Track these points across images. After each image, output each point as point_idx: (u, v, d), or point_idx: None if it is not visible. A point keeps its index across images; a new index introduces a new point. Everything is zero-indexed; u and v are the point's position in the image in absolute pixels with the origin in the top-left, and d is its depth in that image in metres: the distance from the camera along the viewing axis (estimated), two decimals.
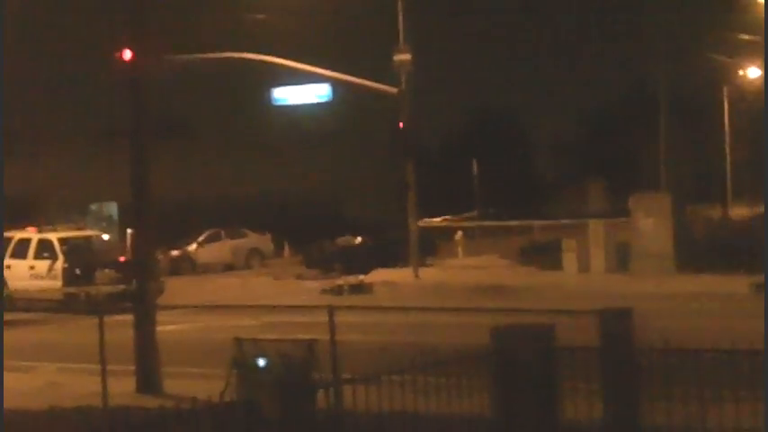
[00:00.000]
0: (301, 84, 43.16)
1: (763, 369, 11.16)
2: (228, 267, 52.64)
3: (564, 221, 46.94)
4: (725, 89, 67.11)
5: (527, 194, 79.47)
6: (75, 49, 67.58)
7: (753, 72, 61.56)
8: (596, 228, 39.51)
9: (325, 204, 71.12)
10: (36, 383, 20.71)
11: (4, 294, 36.97)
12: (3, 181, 35.78)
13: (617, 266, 38.11)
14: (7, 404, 18.41)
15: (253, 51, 40.54)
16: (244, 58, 40.58)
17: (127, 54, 19.83)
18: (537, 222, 50.90)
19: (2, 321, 20.03)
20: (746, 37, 53.51)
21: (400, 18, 41.38)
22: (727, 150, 67.67)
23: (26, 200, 61.19)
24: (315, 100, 44.70)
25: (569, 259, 38.98)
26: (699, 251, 36.90)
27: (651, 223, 37.36)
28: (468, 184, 64.71)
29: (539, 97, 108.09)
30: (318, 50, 48.67)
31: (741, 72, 62.89)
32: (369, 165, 72.46)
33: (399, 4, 41.55)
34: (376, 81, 41.77)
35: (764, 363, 11.20)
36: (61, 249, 36.95)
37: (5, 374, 21.64)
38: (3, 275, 37.03)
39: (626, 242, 38.52)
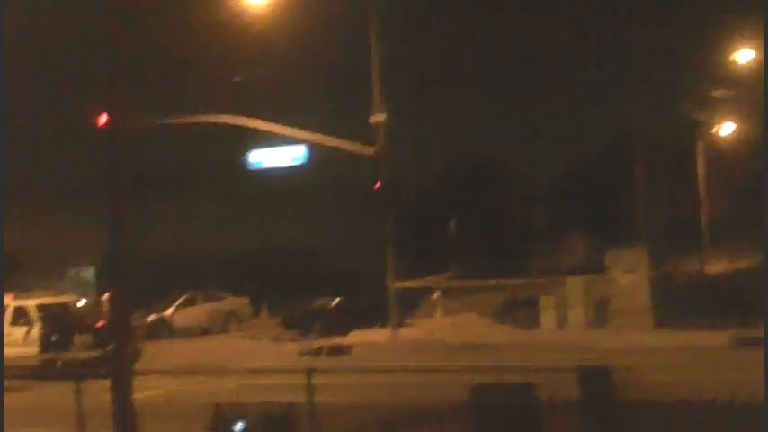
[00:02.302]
0: (278, 144, 43.17)
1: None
2: (205, 331, 52.40)
3: (541, 279, 46.95)
4: (699, 144, 67.51)
5: (505, 247, 79.51)
6: (54, 108, 67.55)
7: (726, 128, 62.04)
8: (574, 284, 39.55)
9: (302, 264, 71.00)
10: None
11: None
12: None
13: (595, 322, 38.11)
14: None
15: (231, 112, 40.59)
16: (217, 123, 40.62)
17: (102, 118, 19.81)
18: (514, 281, 50.88)
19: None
20: (718, 94, 53.96)
21: (375, 79, 41.47)
22: (702, 205, 67.93)
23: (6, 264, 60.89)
24: (290, 163, 44.71)
25: (548, 316, 38.97)
26: (677, 306, 36.97)
27: (629, 279, 37.44)
28: (446, 241, 64.71)
29: (518, 148, 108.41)
30: (295, 110, 48.75)
31: (714, 128, 63.34)
32: (347, 223, 72.46)
33: (374, 65, 41.66)
34: (354, 137, 41.79)
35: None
36: (38, 316, 36.74)
37: None
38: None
39: (604, 297, 38.55)
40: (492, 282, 49.58)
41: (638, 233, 44.29)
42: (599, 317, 38.25)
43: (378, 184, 40.34)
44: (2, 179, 37.65)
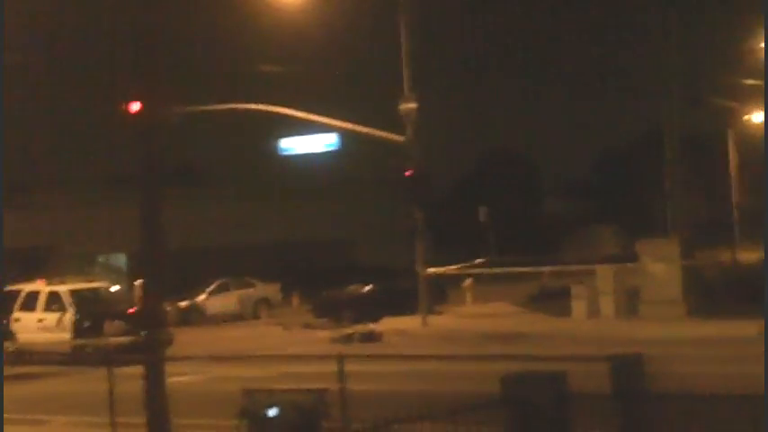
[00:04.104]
0: (310, 132, 43.26)
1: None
2: (237, 317, 52.61)
3: (573, 267, 46.85)
4: (730, 133, 67.17)
5: (537, 238, 79.37)
6: (83, 99, 67.91)
7: (757, 117, 61.66)
8: (605, 273, 39.43)
9: (334, 252, 71.11)
10: None
11: (14, 348, 36.92)
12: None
13: (626, 312, 38.00)
14: None
15: (264, 101, 40.65)
16: (250, 109, 40.70)
17: (135, 106, 19.87)
18: (546, 269, 50.80)
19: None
20: (750, 82, 53.60)
21: (405, 67, 41.43)
22: (734, 194, 67.61)
23: (35, 252, 61.26)
24: (322, 149, 44.79)
25: (579, 305, 38.89)
26: (709, 296, 36.78)
27: (660, 268, 37.30)
28: (479, 229, 64.70)
29: (549, 140, 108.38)
30: (328, 98, 48.81)
31: (746, 117, 63.00)
32: (378, 211, 72.51)
33: (404, 53, 41.63)
34: (386, 125, 41.80)
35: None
36: (70, 301, 36.90)
37: (15, 428, 21.60)
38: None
39: (635, 287, 38.42)
40: (523, 270, 49.51)
41: (670, 223, 44.06)
42: (630, 307, 38.13)
43: (407, 172, 40.33)
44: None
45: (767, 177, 39.09)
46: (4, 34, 23.13)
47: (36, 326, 37.02)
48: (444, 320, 41.47)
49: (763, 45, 47.07)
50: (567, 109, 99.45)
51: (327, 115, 41.31)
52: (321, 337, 39.69)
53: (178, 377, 23.54)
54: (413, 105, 40.79)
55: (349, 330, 39.21)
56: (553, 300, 41.66)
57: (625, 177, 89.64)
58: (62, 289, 37.57)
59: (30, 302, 37.63)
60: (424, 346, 34.08)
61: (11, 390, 28.92)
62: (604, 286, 38.81)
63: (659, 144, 47.18)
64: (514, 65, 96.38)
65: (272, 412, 12.14)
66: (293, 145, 45.16)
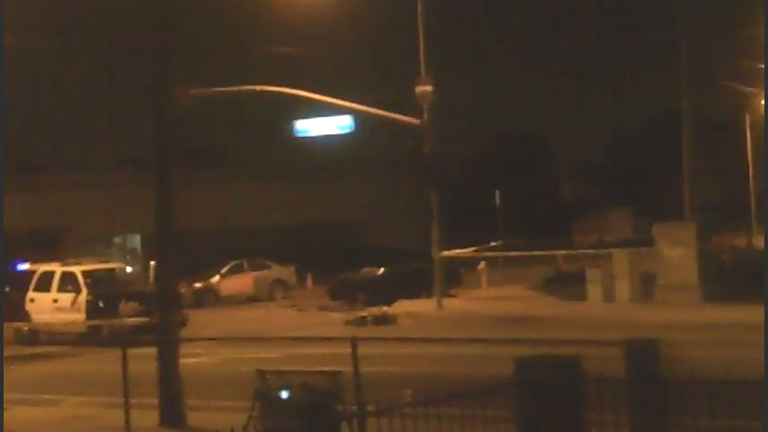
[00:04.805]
0: (325, 114, 43.22)
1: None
2: (251, 299, 52.63)
3: (588, 251, 46.78)
4: (747, 117, 66.96)
5: (551, 221, 79.31)
6: (99, 80, 67.95)
7: None
8: (620, 258, 39.32)
9: (348, 234, 71.11)
10: (60, 416, 20.68)
11: (28, 328, 37.02)
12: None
13: (642, 296, 37.89)
14: None
15: (280, 83, 40.58)
16: (265, 91, 40.63)
17: (154, 86, 19.87)
18: (561, 252, 50.73)
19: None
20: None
21: (421, 49, 41.35)
22: (751, 179, 67.43)
23: (50, 233, 61.41)
24: (337, 131, 44.75)
25: (594, 289, 38.79)
26: (725, 281, 36.63)
27: (676, 253, 37.16)
28: (491, 213, 64.62)
29: (564, 122, 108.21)
30: (342, 80, 48.77)
31: (762, 101, 62.78)
32: (392, 194, 72.49)
33: (420, 35, 41.55)
34: (400, 107, 41.72)
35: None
36: (85, 282, 36.94)
37: (29, 408, 21.64)
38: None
39: (651, 271, 38.30)
40: (538, 253, 49.44)
41: (686, 207, 43.89)
42: (646, 291, 38.01)
43: (424, 149, 40.21)
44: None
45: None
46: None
47: (51, 306, 37.08)
48: (459, 303, 41.42)
49: None
50: (582, 91, 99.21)
51: (343, 97, 41.24)
52: (335, 320, 39.70)
53: (192, 358, 23.58)
54: (429, 88, 40.70)
55: (363, 313, 39.19)
56: (568, 283, 41.56)
57: (640, 160, 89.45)
58: (77, 269, 37.60)
59: (44, 283, 37.68)
60: (438, 330, 34.05)
61: (25, 369, 29.03)
62: (620, 270, 38.68)
63: (675, 127, 47.01)
64: (530, 47, 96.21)
65: (286, 394, 12.11)
66: (309, 127, 45.14)
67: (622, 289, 38.29)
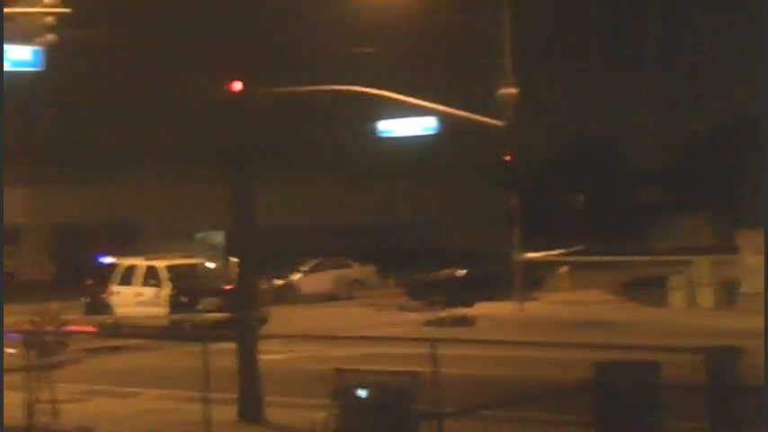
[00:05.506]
0: (406, 115, 43.26)
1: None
2: (331, 297, 52.79)
3: (669, 258, 46.31)
4: None
5: (629, 226, 78.71)
6: (181, 77, 68.48)
7: None
8: (703, 264, 38.93)
9: (426, 235, 71.10)
10: (137, 409, 20.90)
11: (111, 321, 37.42)
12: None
13: (725, 304, 37.49)
14: (107, 429, 18.64)
15: (360, 84, 40.67)
16: (349, 91, 40.75)
17: (236, 85, 19.99)
18: (641, 258, 50.30)
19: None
20: None
21: (507, 52, 41.25)
22: None
23: (129, 227, 62.13)
24: (420, 132, 44.79)
25: (676, 296, 38.45)
26: None
27: (761, 260, 36.68)
28: (571, 216, 64.27)
29: (640, 126, 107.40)
30: (426, 82, 48.75)
31: None
32: (473, 196, 72.33)
33: (506, 39, 41.44)
34: (477, 111, 41.60)
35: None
36: (168, 277, 37.27)
37: (108, 400, 21.92)
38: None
39: (733, 279, 37.88)
40: (618, 258, 49.07)
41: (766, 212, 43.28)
42: (729, 299, 37.60)
43: (507, 157, 40.15)
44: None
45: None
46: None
47: (134, 300, 37.45)
48: (539, 307, 41.27)
49: None
50: (657, 95, 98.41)
51: (427, 99, 41.23)
52: (413, 320, 39.69)
53: (271, 355, 23.71)
54: (512, 91, 40.60)
55: (442, 314, 39.14)
56: (647, 289, 41.20)
57: (719, 165, 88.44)
58: (160, 264, 37.95)
59: (128, 277, 38.09)
60: (517, 333, 33.90)
61: (106, 362, 29.40)
62: (701, 277, 38.31)
63: (759, 129, 46.45)
64: (611, 51, 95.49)
65: (363, 393, 12.15)
66: (392, 127, 45.22)
67: (704, 296, 37.92)
